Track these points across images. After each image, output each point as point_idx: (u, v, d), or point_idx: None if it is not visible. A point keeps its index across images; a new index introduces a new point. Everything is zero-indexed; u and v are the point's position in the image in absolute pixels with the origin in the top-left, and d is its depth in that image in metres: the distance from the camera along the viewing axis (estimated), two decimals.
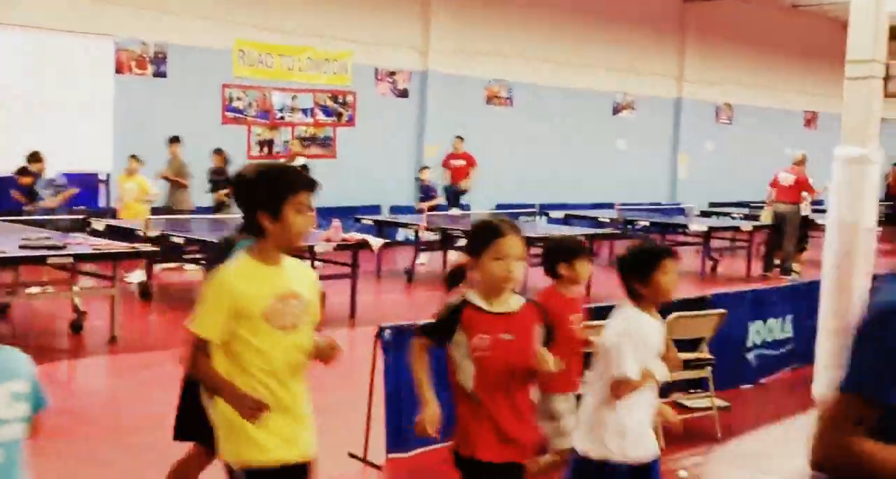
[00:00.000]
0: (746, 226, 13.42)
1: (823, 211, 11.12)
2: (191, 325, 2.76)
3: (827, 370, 4.81)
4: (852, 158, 4.75)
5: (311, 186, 2.83)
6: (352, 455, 4.79)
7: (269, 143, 14.11)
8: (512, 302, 3.00)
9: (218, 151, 12.21)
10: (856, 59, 4.72)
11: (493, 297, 2.96)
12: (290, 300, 2.78)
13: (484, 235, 2.98)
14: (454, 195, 14.70)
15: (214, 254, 3.60)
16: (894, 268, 1.95)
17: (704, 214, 16.64)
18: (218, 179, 11.90)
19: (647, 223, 13.72)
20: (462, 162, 14.78)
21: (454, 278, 3.18)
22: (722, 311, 5.76)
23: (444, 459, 4.84)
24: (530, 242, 10.06)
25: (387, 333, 4.69)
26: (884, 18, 4.71)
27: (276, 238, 2.75)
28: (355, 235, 9.35)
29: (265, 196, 2.74)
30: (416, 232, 11.95)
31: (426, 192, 13.86)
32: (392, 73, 15.35)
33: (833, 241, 4.80)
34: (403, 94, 15.51)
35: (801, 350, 6.92)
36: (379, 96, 15.20)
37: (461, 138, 14.86)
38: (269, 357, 2.74)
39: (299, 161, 11.79)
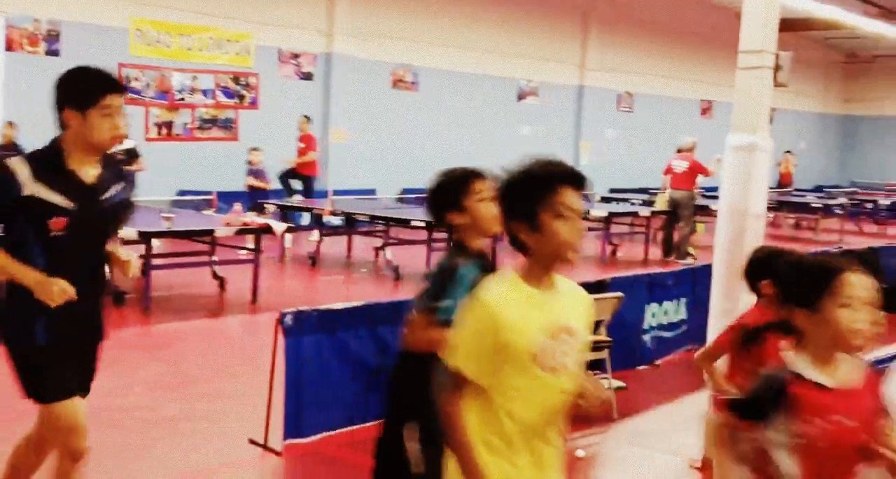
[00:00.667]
0: (645, 212, 13.77)
1: (716, 197, 11.48)
2: (448, 356, 2.28)
3: None
4: (743, 146, 4.92)
5: (570, 178, 2.25)
6: (252, 441, 4.74)
7: (169, 124, 13.75)
8: (846, 368, 2.26)
9: (10, 124, 11.42)
10: (748, 50, 4.88)
11: (827, 362, 2.24)
12: (563, 336, 2.28)
13: (820, 277, 2.21)
14: (298, 180, 13.73)
15: (433, 285, 3.04)
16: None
17: (605, 199, 16.99)
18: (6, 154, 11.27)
19: None
20: (302, 145, 13.74)
21: (750, 337, 2.79)
22: (619, 294, 5.90)
23: (342, 443, 4.85)
24: (431, 225, 10.15)
25: (288, 318, 4.64)
26: (775, 10, 4.88)
27: (541, 254, 2.25)
28: (256, 220, 9.20)
29: (520, 204, 2.23)
30: (321, 216, 11.85)
31: (256, 174, 12.65)
32: (296, 56, 15.13)
33: (724, 226, 4.96)
34: (308, 76, 15.32)
35: (694, 332, 7.13)
36: (282, 79, 14.97)
37: (307, 118, 13.93)
38: (529, 403, 2.26)
39: (128, 144, 10.75)
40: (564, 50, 19.19)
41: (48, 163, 3.13)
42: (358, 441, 4.84)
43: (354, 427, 4.94)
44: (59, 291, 2.99)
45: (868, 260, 9.05)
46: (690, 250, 12.81)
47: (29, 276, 3.02)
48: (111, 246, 3.33)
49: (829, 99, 27.68)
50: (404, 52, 16.33)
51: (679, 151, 13.59)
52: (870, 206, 19.86)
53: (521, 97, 18.61)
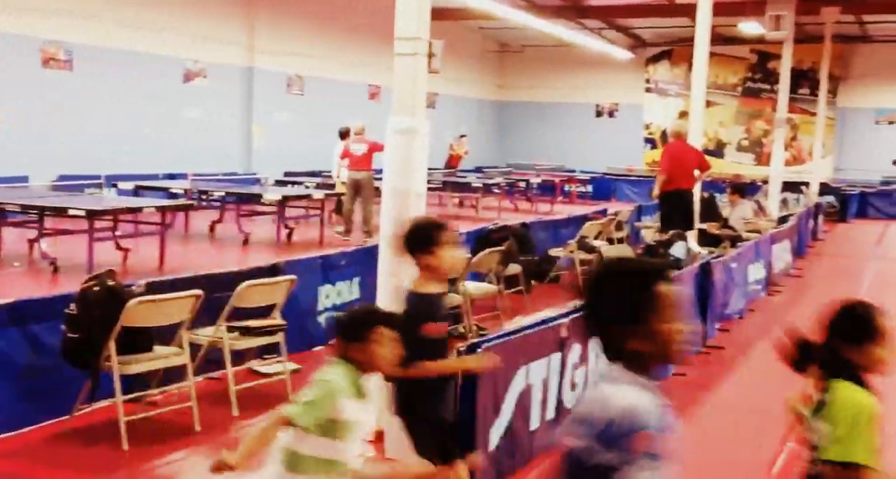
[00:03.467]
0: (319, 194, 13.92)
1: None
2: None
3: None
4: (402, 129, 5.10)
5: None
6: None
7: None
8: None
9: None
10: (403, 37, 5.07)
11: None
12: None
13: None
14: None
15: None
16: None
17: (280, 183, 16.95)
18: None
19: (222, 194, 13.64)
20: None
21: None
22: (291, 277, 5.93)
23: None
24: (93, 214, 9.52)
25: None
26: None
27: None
28: None
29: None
30: None
31: None
32: None
33: (388, 205, 5.13)
34: None
35: None
36: None
37: None
38: None
39: None
40: (232, 30, 18.77)
41: None
42: (9, 452, 4.45)
43: (4, 435, 4.53)
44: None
45: (521, 234, 9.85)
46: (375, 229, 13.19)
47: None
48: None
49: (485, 85, 29.64)
50: (55, 27, 15.07)
51: (344, 136, 14.14)
52: (523, 185, 21.58)
53: (188, 78, 17.95)
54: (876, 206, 22.70)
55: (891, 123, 25.23)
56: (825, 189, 21.93)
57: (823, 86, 21.56)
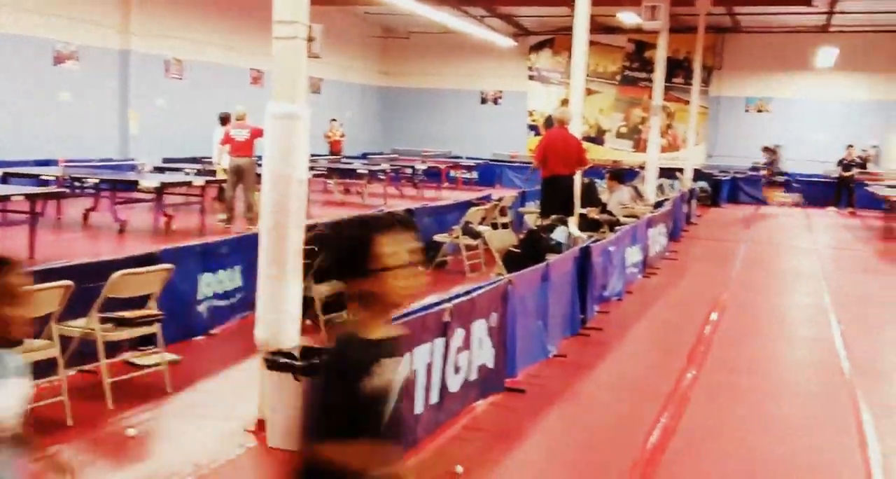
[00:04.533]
0: (199, 181, 13.58)
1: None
2: None
3: (266, 316, 5.07)
4: (283, 114, 5.03)
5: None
6: None
7: None
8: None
9: None
10: (281, 20, 4.98)
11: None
12: None
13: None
14: None
15: None
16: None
17: (159, 170, 16.43)
18: None
19: (96, 181, 13.13)
20: None
21: None
22: (168, 266, 5.77)
23: None
24: None
25: None
26: None
27: None
28: None
29: None
30: None
31: None
32: None
33: (269, 192, 5.04)
34: None
35: (250, 299, 7.22)
36: None
37: None
38: None
39: None
40: (106, 12, 18.04)
41: None
42: None
43: None
44: None
45: (406, 220, 9.88)
46: (249, 215, 12.93)
47: None
48: None
49: (370, 71, 29.47)
50: None
51: (225, 121, 13.87)
52: (409, 171, 21.60)
53: (58, 61, 17.18)
54: (746, 191, 23.73)
55: (760, 111, 26.35)
56: (699, 175, 22.78)
57: (697, 75, 22.35)
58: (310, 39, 5.10)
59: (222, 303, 7.39)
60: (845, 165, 21.98)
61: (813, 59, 24.49)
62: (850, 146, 22.30)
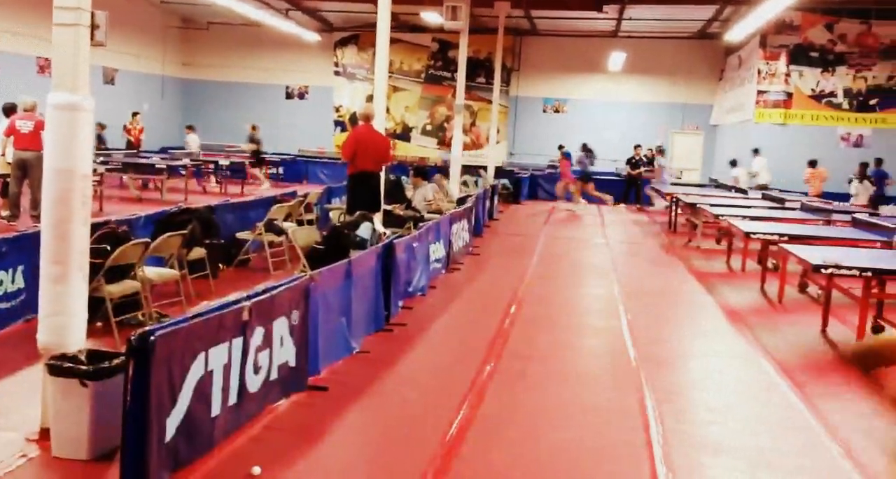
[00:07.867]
0: None
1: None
2: None
3: (49, 318, 4.78)
4: (64, 104, 4.75)
5: None
6: None
7: None
8: None
9: None
10: (62, 6, 4.69)
11: None
12: None
13: None
14: None
15: None
16: None
17: None
18: None
19: None
20: None
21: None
22: None
23: None
24: None
25: None
26: None
27: None
28: None
29: None
30: None
31: None
32: None
33: (51, 187, 4.75)
34: None
35: (35, 300, 6.80)
36: None
37: None
38: None
39: None
40: None
41: None
42: None
43: None
44: None
45: (205, 217, 9.59)
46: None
47: None
48: None
49: (168, 62, 28.37)
50: None
51: (9, 112, 13.09)
52: (212, 166, 21.00)
53: None
54: (544, 188, 24.75)
55: (557, 111, 27.51)
56: (500, 172, 23.55)
57: (497, 75, 23.08)
58: (94, 27, 4.84)
59: (4, 305, 6.92)
60: (633, 163, 23.37)
61: (605, 62, 25.91)
62: (638, 146, 23.73)
